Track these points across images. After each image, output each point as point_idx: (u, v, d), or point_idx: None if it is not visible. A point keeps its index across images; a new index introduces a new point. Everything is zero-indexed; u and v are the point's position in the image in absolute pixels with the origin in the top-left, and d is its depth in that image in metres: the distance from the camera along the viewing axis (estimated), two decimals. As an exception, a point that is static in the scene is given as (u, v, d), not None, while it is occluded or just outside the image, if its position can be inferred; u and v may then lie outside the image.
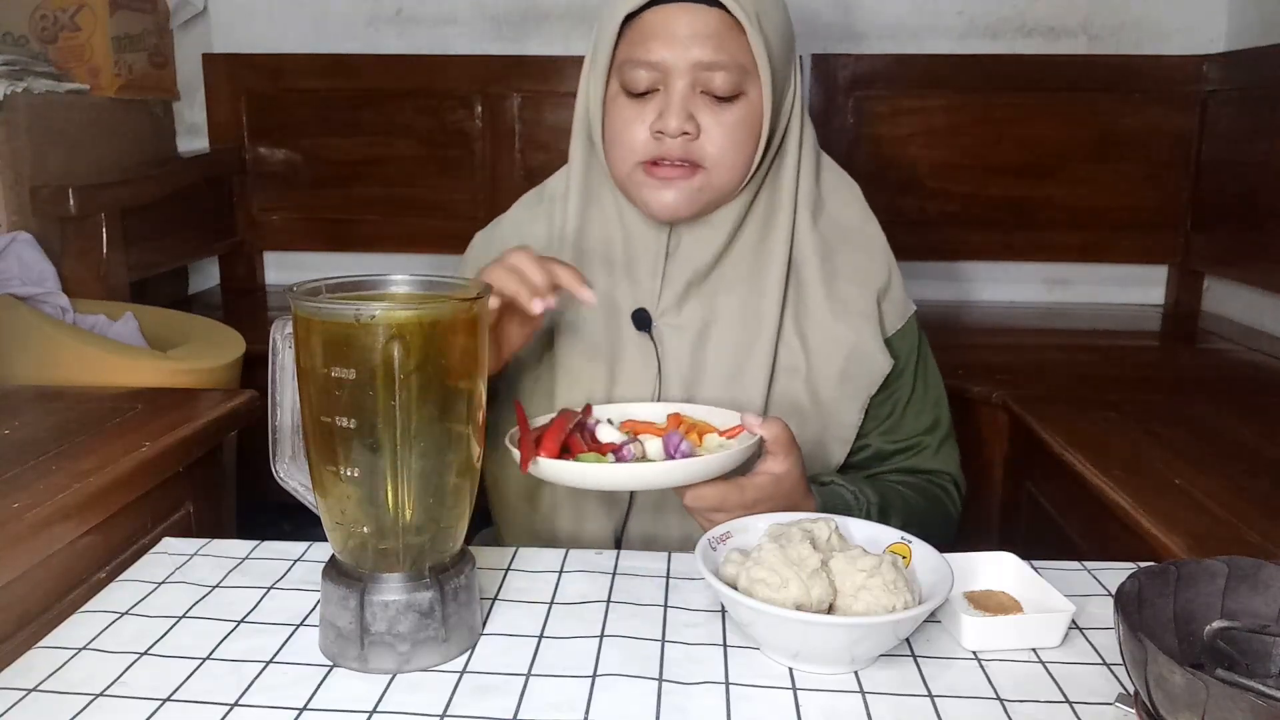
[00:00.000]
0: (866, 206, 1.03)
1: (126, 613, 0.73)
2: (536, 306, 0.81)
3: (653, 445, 0.83)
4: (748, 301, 0.97)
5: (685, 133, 0.89)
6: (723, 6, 0.88)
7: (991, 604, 0.73)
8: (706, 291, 0.98)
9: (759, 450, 0.82)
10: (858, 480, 0.95)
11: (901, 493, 0.97)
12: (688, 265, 0.97)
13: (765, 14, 0.90)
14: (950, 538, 1.02)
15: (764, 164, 0.96)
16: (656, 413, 0.90)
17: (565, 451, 0.80)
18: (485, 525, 1.13)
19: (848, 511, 0.91)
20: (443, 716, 0.61)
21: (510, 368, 0.98)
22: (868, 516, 0.91)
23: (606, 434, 0.84)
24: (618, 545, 0.99)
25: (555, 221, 1.02)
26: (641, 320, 0.97)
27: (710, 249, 0.96)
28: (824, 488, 0.91)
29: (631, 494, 0.97)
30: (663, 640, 0.69)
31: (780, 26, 0.93)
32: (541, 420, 0.86)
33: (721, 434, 0.85)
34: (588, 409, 0.87)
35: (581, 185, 1.00)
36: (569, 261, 0.98)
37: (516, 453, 0.79)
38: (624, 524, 0.98)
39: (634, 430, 0.86)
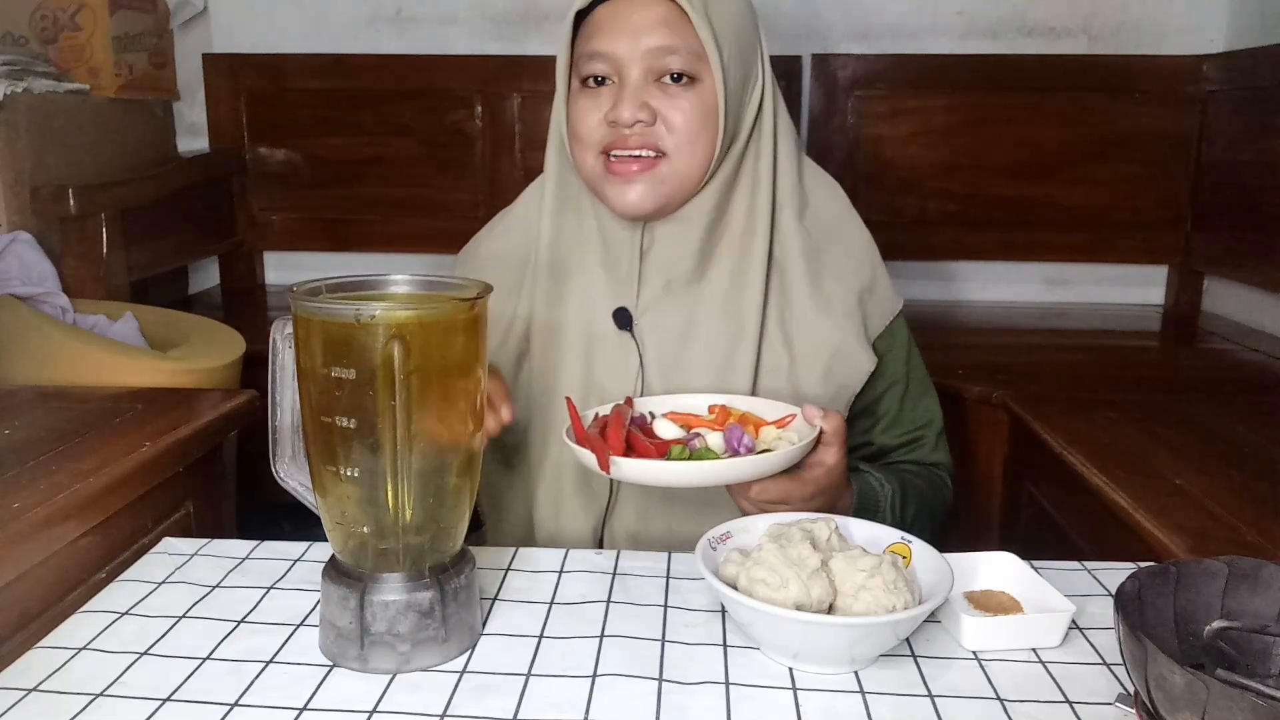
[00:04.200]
0: (850, 205, 1.04)
1: (126, 613, 0.73)
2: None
3: (713, 439, 0.83)
4: (730, 300, 0.97)
5: (640, 120, 0.90)
6: None
7: (991, 604, 0.73)
8: (688, 290, 0.98)
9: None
10: (880, 468, 0.98)
11: (912, 480, 1.00)
12: (663, 262, 0.97)
13: (713, 3, 0.91)
14: (941, 526, 1.05)
15: (729, 155, 0.96)
16: (695, 404, 0.90)
17: (628, 449, 0.80)
18: (475, 529, 1.13)
19: (876, 500, 0.94)
20: (443, 716, 0.61)
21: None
22: (891, 503, 0.95)
23: (665, 430, 0.84)
24: (600, 544, 0.99)
25: (530, 230, 1.02)
26: (622, 319, 0.97)
27: (686, 245, 0.97)
28: (856, 474, 0.93)
29: (612, 492, 0.97)
30: (663, 640, 0.69)
31: (732, 17, 0.93)
32: (589, 415, 0.86)
33: (771, 424, 0.86)
34: (629, 401, 0.87)
35: (556, 190, 1.00)
36: (546, 268, 0.99)
37: (579, 450, 0.79)
38: (603, 522, 0.98)
39: (686, 424, 0.86)
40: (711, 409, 0.89)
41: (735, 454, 0.81)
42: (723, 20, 0.91)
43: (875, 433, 1.02)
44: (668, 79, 0.91)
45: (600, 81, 0.93)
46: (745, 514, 0.85)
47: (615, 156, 0.92)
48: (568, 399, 0.86)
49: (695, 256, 0.97)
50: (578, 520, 0.98)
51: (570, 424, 0.83)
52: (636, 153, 0.92)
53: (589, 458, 0.78)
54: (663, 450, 0.80)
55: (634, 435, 0.82)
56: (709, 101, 0.92)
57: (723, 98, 0.92)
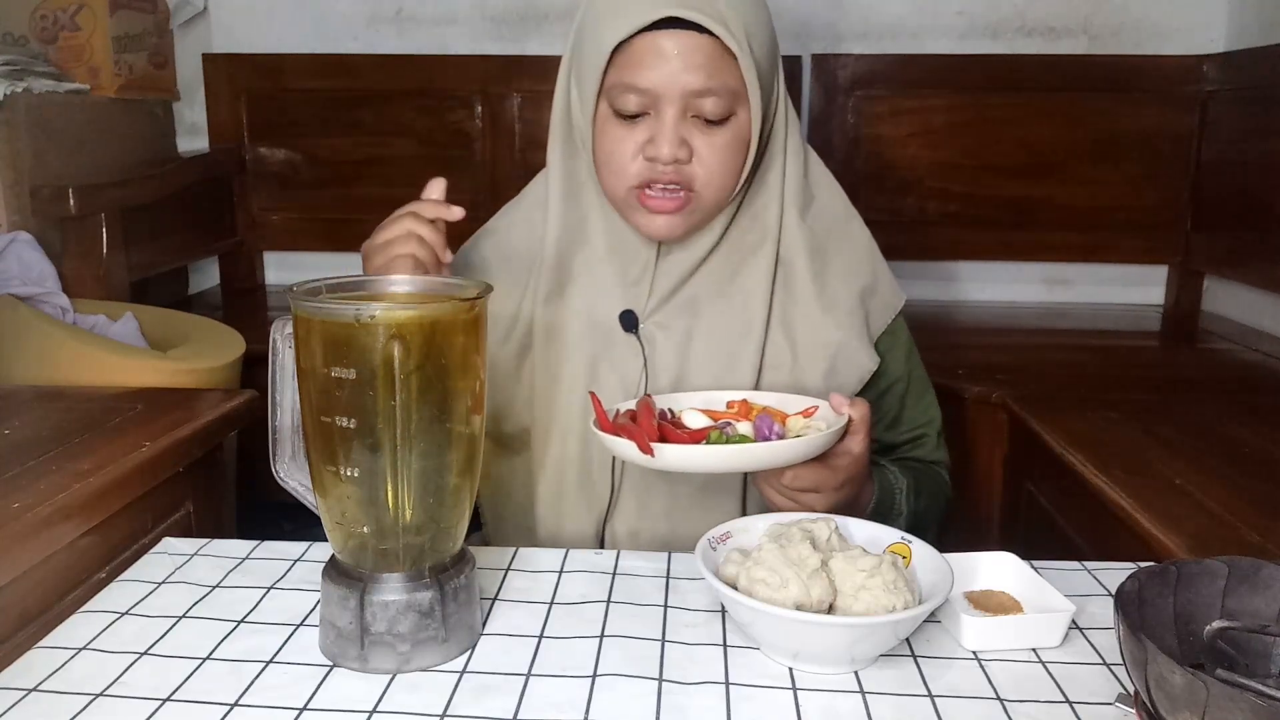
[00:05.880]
0: (850, 203, 1.04)
1: (126, 613, 0.73)
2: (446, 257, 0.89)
3: (743, 429, 0.83)
4: (734, 300, 0.97)
5: (678, 159, 0.90)
6: (711, 33, 0.87)
7: (991, 604, 0.73)
8: (692, 292, 0.98)
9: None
10: (890, 461, 1.00)
11: (919, 475, 1.02)
12: (676, 270, 0.97)
13: (754, 35, 0.89)
14: (942, 521, 1.07)
15: (752, 175, 0.96)
16: (713, 400, 0.90)
17: (661, 439, 0.79)
18: (475, 529, 1.13)
19: (893, 494, 0.96)
20: (443, 716, 0.61)
21: (491, 369, 0.99)
22: (906, 496, 0.96)
23: (695, 420, 0.83)
24: (600, 543, 0.99)
25: (536, 227, 1.02)
26: (629, 321, 0.97)
27: (699, 252, 0.97)
28: (874, 467, 0.94)
29: (614, 489, 0.97)
30: (663, 640, 0.69)
31: (768, 44, 0.92)
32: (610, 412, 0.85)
33: (797, 415, 0.86)
34: (648, 398, 0.87)
35: (562, 190, 0.99)
36: (549, 267, 0.99)
37: (613, 439, 0.78)
38: (604, 522, 0.98)
39: (711, 417, 0.86)
40: (731, 404, 0.89)
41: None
42: (760, 49, 0.90)
43: (879, 431, 1.03)
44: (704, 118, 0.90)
45: (633, 114, 0.91)
46: (772, 504, 0.85)
47: (651, 192, 0.91)
48: (591, 393, 0.86)
49: (701, 260, 0.97)
50: (579, 518, 0.98)
51: (595, 416, 0.82)
52: (671, 187, 0.91)
53: (625, 446, 0.77)
54: (697, 438, 0.80)
55: (665, 426, 0.81)
56: (743, 134, 0.91)
57: (758, 128, 0.92)
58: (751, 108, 0.91)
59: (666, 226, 0.93)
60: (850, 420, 0.83)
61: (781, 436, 0.82)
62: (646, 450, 0.76)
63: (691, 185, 0.91)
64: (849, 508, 0.87)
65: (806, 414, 0.86)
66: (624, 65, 0.90)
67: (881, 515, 0.93)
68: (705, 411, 0.86)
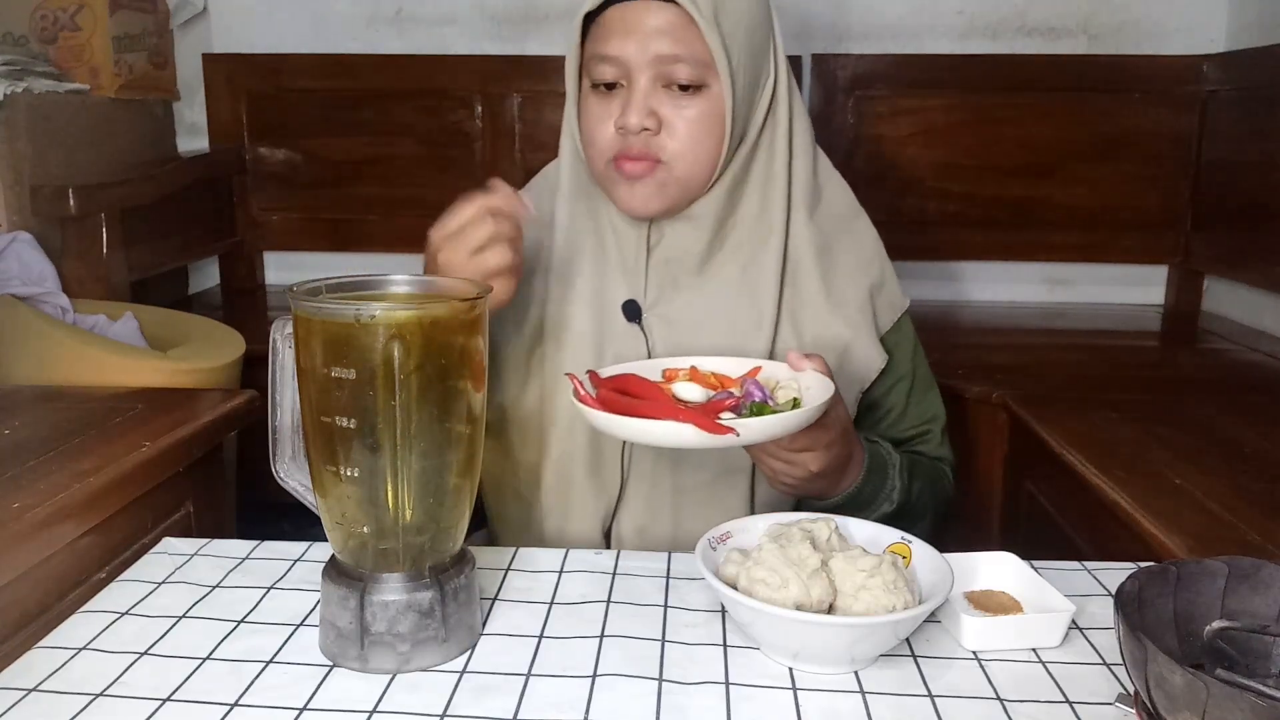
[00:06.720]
0: (856, 201, 1.05)
1: (126, 613, 0.73)
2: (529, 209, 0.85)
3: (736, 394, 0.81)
4: (742, 296, 0.97)
5: (646, 128, 0.90)
6: (677, 2, 0.89)
7: (991, 604, 0.73)
8: (700, 285, 0.98)
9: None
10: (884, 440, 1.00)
11: (916, 461, 1.01)
12: (670, 258, 0.98)
13: (724, 9, 0.90)
14: (942, 518, 1.06)
15: (737, 155, 0.96)
16: (649, 370, 0.86)
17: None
18: (479, 527, 1.13)
19: (884, 463, 0.95)
20: (443, 716, 0.61)
21: (496, 359, 1.00)
22: (899, 469, 0.96)
23: (688, 392, 0.81)
24: (606, 540, 0.99)
25: (545, 215, 1.02)
26: (631, 311, 0.97)
27: (693, 242, 0.97)
28: (865, 441, 0.94)
29: (623, 484, 0.97)
30: (663, 640, 0.69)
31: (745, 19, 0.92)
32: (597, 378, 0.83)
33: (746, 377, 0.85)
34: (592, 374, 0.83)
35: (571, 180, 1.01)
36: (559, 257, 0.99)
37: (586, 409, 0.76)
38: (612, 518, 0.98)
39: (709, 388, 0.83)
40: (669, 372, 0.85)
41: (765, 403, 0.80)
42: (733, 24, 0.90)
43: (883, 427, 1.03)
44: (675, 87, 0.91)
45: (610, 85, 0.92)
46: (767, 469, 0.85)
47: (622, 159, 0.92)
48: (569, 374, 0.82)
49: (704, 253, 0.97)
50: (586, 512, 0.98)
51: (594, 397, 0.78)
52: (638, 157, 0.92)
53: (682, 432, 0.72)
54: (711, 411, 0.76)
55: (676, 405, 0.78)
56: (717, 107, 0.92)
57: (730, 103, 0.91)
58: (721, 78, 0.91)
59: (641, 198, 0.93)
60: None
61: (772, 398, 0.81)
62: (719, 429, 0.71)
63: (660, 156, 0.92)
64: (841, 469, 0.87)
65: (751, 374, 0.85)
66: (596, 37, 0.92)
67: (877, 482, 0.93)
68: (697, 382, 0.83)
